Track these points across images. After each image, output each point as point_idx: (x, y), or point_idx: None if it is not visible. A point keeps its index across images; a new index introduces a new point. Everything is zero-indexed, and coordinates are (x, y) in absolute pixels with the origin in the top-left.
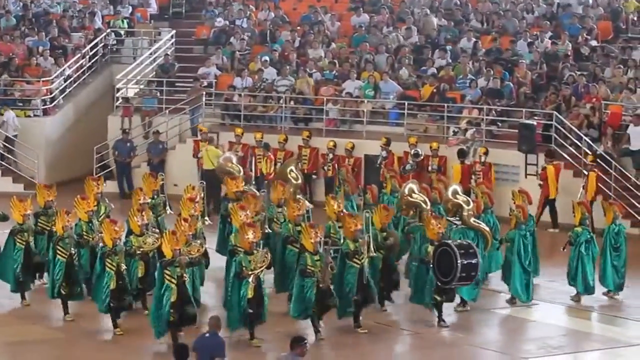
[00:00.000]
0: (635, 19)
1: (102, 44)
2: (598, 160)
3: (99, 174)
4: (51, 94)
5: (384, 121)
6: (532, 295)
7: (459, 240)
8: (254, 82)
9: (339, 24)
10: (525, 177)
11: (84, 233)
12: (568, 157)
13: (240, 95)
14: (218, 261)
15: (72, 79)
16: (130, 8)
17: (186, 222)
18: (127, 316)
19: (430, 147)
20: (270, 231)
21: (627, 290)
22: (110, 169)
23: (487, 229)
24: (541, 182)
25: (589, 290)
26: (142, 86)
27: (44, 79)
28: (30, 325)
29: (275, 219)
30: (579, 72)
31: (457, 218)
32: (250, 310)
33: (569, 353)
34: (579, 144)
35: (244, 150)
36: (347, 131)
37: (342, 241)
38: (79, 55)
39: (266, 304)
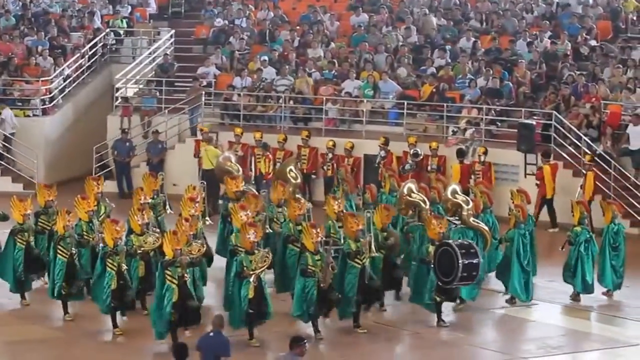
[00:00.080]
0: (635, 18)
1: (102, 43)
2: (597, 159)
3: (99, 174)
4: (50, 93)
5: (384, 121)
6: (532, 294)
7: (459, 240)
8: (253, 82)
9: (338, 23)
10: (525, 176)
11: (85, 233)
12: (567, 157)
13: (239, 95)
14: (218, 261)
15: (71, 78)
16: (130, 8)
17: (187, 222)
18: (128, 316)
19: (430, 147)
20: (270, 231)
21: (626, 290)
22: (109, 168)
23: (487, 228)
24: (538, 182)
25: (588, 289)
26: (141, 86)
27: (43, 78)
28: (30, 325)
29: (275, 219)
30: (578, 72)
31: (457, 218)
32: (251, 310)
33: (568, 353)
34: (578, 143)
35: (243, 149)
36: (346, 131)
37: (342, 241)
38: (78, 55)
39: (270, 302)
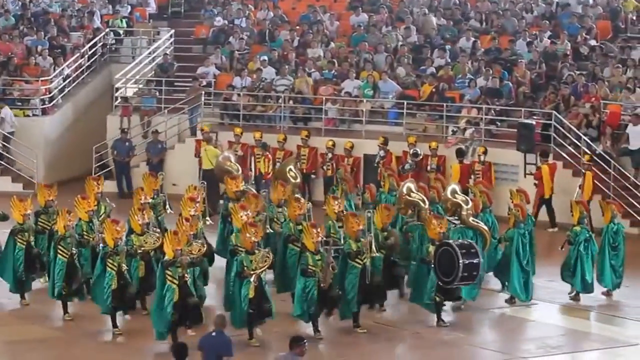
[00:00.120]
0: (634, 18)
1: (101, 43)
2: (597, 159)
3: (98, 174)
4: (50, 93)
5: (383, 121)
6: (532, 293)
7: (460, 240)
8: (252, 82)
9: (337, 23)
10: (524, 176)
11: (85, 233)
12: (567, 157)
13: (239, 94)
14: (218, 261)
15: (70, 78)
16: (129, 7)
17: (187, 222)
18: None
19: (430, 147)
20: (271, 231)
21: (626, 290)
22: (109, 168)
23: (486, 228)
24: (536, 182)
25: (587, 289)
26: (141, 86)
27: (42, 78)
28: (30, 325)
29: (275, 219)
30: (578, 72)
31: (456, 217)
32: (251, 310)
33: (567, 353)
34: (578, 143)
35: (243, 149)
36: (346, 131)
37: (342, 241)
38: (77, 54)
39: (271, 300)
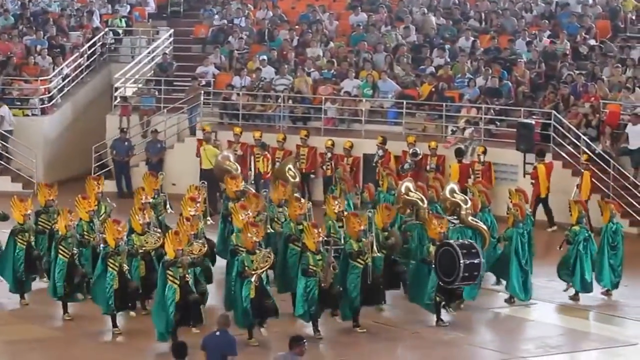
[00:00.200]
0: (634, 17)
1: (100, 42)
2: (596, 159)
3: (98, 173)
4: (49, 93)
5: (383, 120)
6: (531, 293)
7: (460, 240)
8: (252, 81)
9: (337, 22)
10: (524, 176)
11: (86, 233)
12: (566, 156)
13: (238, 94)
14: (218, 262)
15: (70, 78)
16: (129, 7)
17: (188, 221)
18: (128, 316)
19: (429, 146)
20: (271, 231)
21: (625, 290)
22: (108, 168)
23: (485, 227)
24: (533, 181)
25: (587, 288)
26: (140, 85)
27: (42, 78)
28: (30, 325)
29: (276, 219)
30: (577, 71)
31: (455, 217)
32: (252, 310)
33: (567, 352)
34: (577, 143)
35: (242, 149)
36: (345, 130)
37: (342, 241)
38: (77, 54)
39: (274, 299)
